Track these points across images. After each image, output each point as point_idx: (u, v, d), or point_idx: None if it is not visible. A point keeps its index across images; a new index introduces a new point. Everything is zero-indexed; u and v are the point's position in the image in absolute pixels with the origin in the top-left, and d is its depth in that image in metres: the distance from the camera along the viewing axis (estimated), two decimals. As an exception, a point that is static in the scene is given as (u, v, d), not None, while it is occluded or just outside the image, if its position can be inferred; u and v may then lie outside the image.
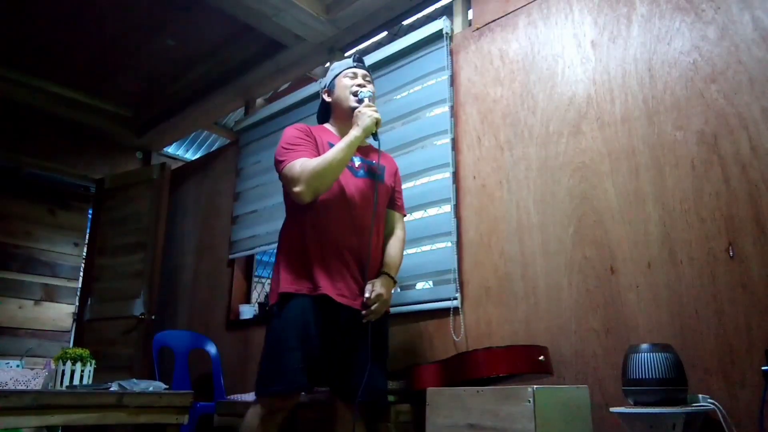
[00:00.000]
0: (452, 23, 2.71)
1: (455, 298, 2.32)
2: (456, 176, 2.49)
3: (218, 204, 3.84)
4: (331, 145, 1.85)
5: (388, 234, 2.04)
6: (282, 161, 1.83)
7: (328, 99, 2.05)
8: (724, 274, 1.70)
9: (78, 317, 4.26)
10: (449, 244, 2.43)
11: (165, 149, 4.94)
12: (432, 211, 2.68)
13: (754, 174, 1.70)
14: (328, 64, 3.40)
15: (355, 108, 1.91)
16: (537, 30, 2.36)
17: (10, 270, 4.44)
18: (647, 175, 1.92)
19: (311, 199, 1.79)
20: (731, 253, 1.70)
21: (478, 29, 2.58)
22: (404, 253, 2.01)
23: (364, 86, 1.98)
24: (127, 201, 4.11)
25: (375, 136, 1.91)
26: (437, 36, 2.68)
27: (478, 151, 2.44)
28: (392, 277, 1.93)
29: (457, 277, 2.35)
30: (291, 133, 1.89)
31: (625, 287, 1.90)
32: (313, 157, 1.81)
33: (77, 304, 4.49)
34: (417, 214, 2.69)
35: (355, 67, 2.03)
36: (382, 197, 1.97)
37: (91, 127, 4.33)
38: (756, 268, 1.65)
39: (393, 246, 2.01)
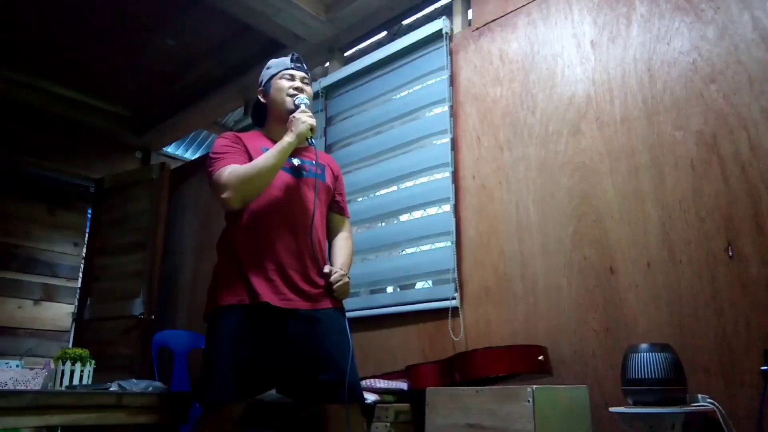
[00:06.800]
0: (452, 23, 2.71)
1: (454, 298, 2.32)
2: (455, 176, 2.48)
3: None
4: (265, 151, 1.77)
5: (333, 237, 1.97)
6: (211, 170, 1.78)
7: (263, 100, 1.96)
8: (724, 274, 1.70)
9: (77, 317, 4.26)
10: (448, 243, 2.43)
11: (164, 149, 4.93)
12: (431, 211, 2.67)
13: (754, 174, 1.70)
14: (327, 64, 3.40)
15: (292, 111, 1.83)
16: (536, 30, 2.36)
17: (9, 270, 4.44)
18: (646, 175, 1.92)
19: (240, 205, 1.74)
20: (730, 253, 1.70)
21: (477, 29, 2.58)
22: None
23: (302, 90, 1.90)
24: (127, 201, 4.11)
25: (310, 142, 1.83)
26: (437, 36, 2.68)
27: (478, 150, 2.43)
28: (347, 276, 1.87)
29: (456, 276, 2.35)
30: (220, 142, 1.84)
31: (624, 287, 1.90)
32: (242, 164, 1.74)
33: (77, 303, 4.49)
34: (416, 214, 2.69)
35: (293, 68, 1.93)
36: (322, 194, 1.88)
37: (90, 127, 4.33)
38: (755, 268, 1.65)
39: (341, 248, 1.95)
